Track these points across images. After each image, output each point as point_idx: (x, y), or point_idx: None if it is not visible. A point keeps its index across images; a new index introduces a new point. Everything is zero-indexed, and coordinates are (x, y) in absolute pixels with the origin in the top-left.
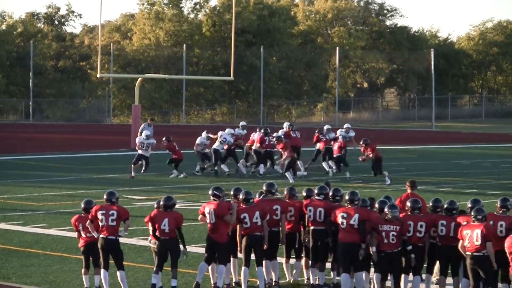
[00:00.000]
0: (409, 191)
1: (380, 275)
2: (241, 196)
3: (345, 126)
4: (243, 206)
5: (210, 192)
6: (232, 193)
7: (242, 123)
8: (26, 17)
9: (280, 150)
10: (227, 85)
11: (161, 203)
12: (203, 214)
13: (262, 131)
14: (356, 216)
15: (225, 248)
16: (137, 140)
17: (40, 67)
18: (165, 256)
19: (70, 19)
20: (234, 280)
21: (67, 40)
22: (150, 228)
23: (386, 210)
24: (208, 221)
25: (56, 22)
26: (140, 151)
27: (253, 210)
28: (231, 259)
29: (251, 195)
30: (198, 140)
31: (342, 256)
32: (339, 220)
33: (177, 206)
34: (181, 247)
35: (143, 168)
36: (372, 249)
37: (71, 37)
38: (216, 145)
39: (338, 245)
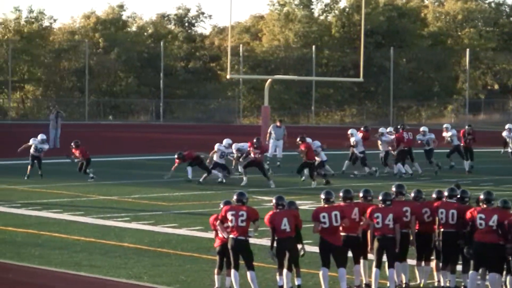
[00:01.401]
0: None
1: None
2: (380, 197)
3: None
4: (379, 206)
5: (341, 194)
6: (361, 195)
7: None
8: (157, 19)
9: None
10: (357, 86)
11: (273, 201)
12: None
13: (400, 127)
14: (495, 217)
15: (342, 251)
16: (216, 146)
17: (170, 68)
18: (284, 255)
19: (200, 20)
20: (364, 282)
21: (197, 41)
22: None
23: None
24: (326, 225)
25: (186, 24)
26: (216, 159)
27: (387, 212)
28: (361, 260)
29: (390, 196)
30: None
31: (476, 256)
32: (477, 221)
33: (306, 207)
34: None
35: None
36: None
37: (201, 38)
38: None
39: (472, 244)
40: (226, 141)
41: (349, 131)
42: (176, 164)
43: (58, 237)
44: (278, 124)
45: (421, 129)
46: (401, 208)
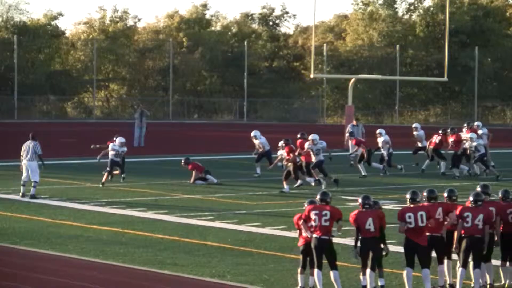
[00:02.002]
0: None
1: None
2: (471, 197)
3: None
4: (469, 206)
5: (425, 194)
6: (446, 194)
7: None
8: (241, 18)
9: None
10: (441, 85)
11: (359, 200)
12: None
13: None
14: None
15: (426, 251)
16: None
17: (254, 67)
18: (368, 255)
19: (284, 20)
20: (448, 282)
21: (280, 41)
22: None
23: None
24: (412, 225)
25: (270, 23)
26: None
27: (478, 212)
28: (445, 260)
29: (481, 196)
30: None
31: None
32: None
33: (389, 207)
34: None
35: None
36: None
37: (285, 37)
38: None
39: None
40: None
41: (378, 131)
42: (194, 171)
43: (142, 235)
44: (354, 123)
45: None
46: (488, 208)
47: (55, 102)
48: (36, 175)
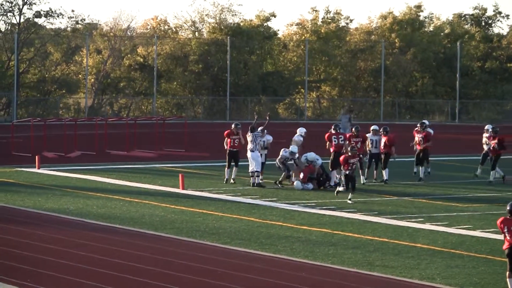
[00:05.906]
0: None
1: None
2: None
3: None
4: None
5: None
6: None
7: None
8: (453, 18)
9: None
10: None
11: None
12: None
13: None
14: None
15: None
16: None
17: (466, 68)
18: None
19: (497, 20)
20: None
21: (494, 41)
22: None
23: None
24: None
25: (483, 23)
26: None
27: None
28: None
29: None
30: None
31: None
32: None
33: None
34: None
35: None
36: None
37: (498, 38)
38: None
39: None
40: None
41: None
42: None
43: (351, 237)
44: None
45: None
46: None
47: (267, 103)
48: (258, 166)
